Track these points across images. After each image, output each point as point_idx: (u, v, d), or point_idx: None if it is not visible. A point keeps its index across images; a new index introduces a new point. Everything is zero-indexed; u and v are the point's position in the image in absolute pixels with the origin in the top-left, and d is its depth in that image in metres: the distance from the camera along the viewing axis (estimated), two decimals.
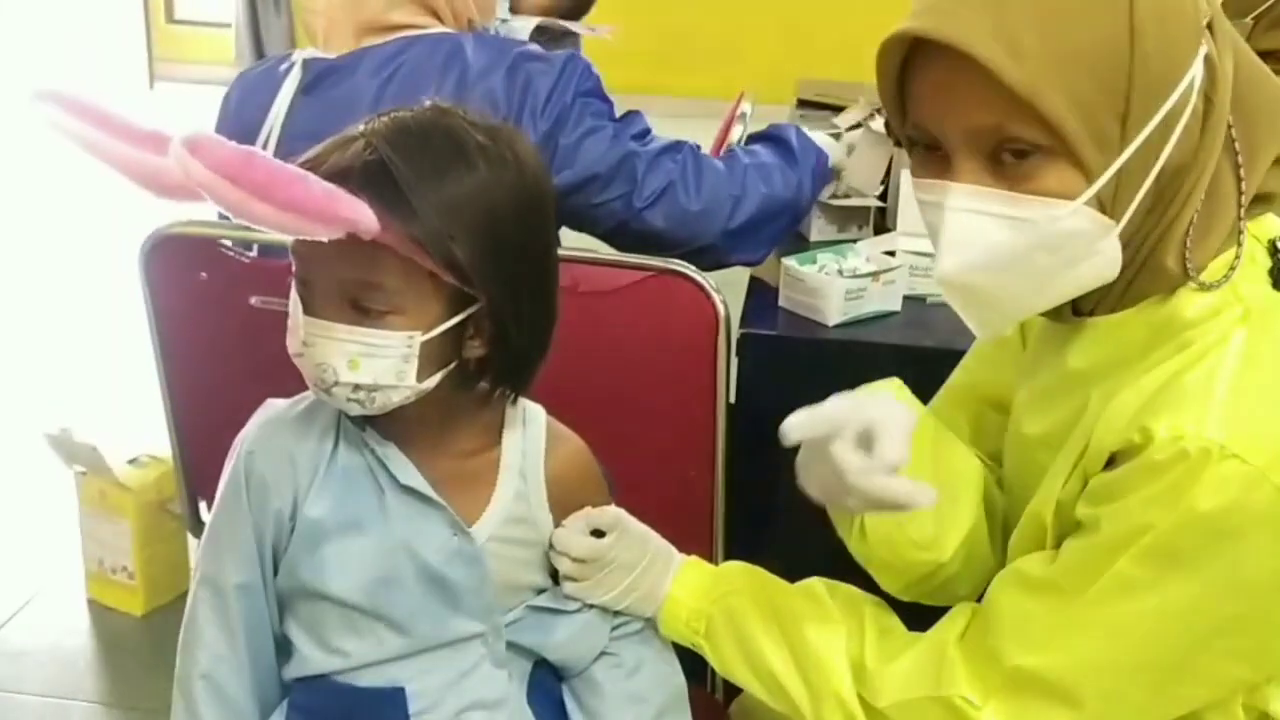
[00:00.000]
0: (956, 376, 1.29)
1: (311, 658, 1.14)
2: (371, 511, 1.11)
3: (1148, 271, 1.01)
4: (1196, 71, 0.95)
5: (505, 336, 1.07)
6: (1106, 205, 0.96)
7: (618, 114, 1.69)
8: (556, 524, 1.17)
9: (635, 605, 1.19)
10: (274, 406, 1.16)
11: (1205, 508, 0.92)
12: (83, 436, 2.45)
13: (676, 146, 1.69)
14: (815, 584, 1.18)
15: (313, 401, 1.14)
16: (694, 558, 1.23)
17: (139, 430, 2.42)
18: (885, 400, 1.09)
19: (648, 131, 1.70)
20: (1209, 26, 0.96)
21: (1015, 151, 0.95)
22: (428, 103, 1.08)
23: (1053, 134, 0.93)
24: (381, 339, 1.03)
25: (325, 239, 0.95)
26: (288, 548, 1.12)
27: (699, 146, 1.73)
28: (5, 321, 3.78)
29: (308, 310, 1.03)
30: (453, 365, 1.08)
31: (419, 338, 1.03)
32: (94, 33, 6.44)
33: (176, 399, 1.79)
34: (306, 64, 1.69)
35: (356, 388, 1.04)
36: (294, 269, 1.05)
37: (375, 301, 1.02)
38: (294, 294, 1.05)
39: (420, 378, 1.05)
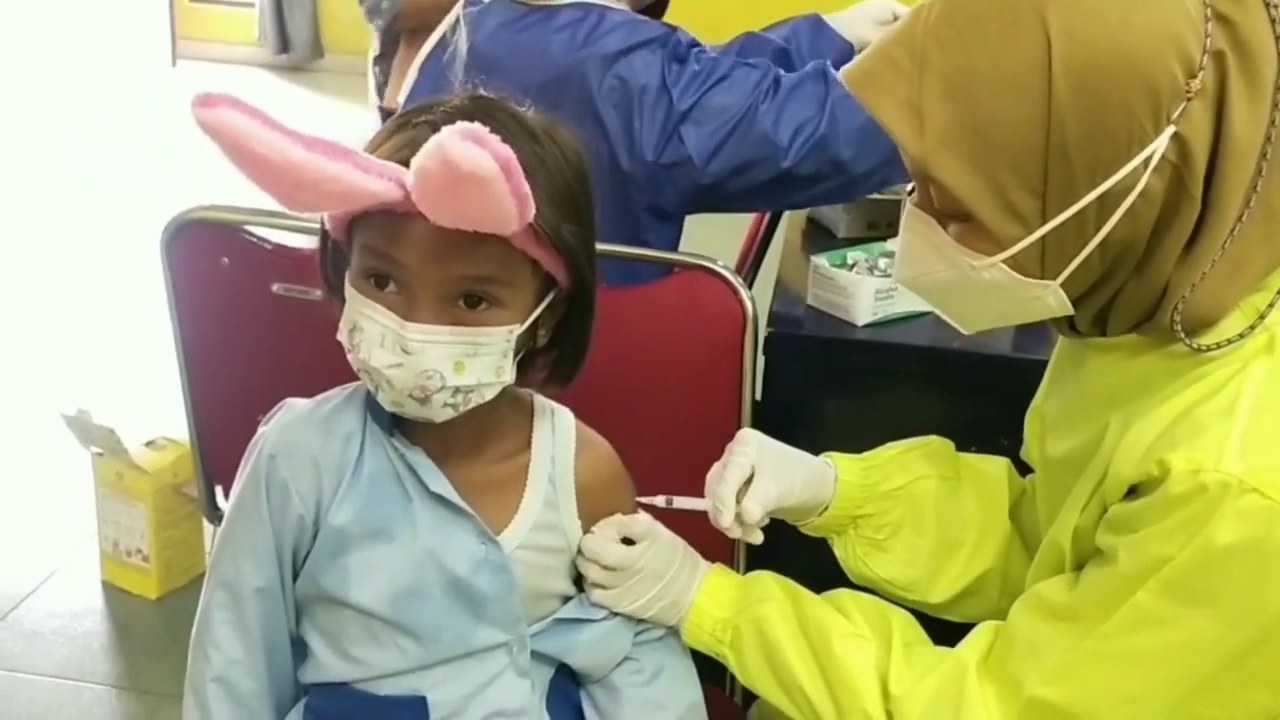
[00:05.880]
0: (1036, 398, 1.27)
1: (330, 665, 1.12)
2: (398, 519, 1.08)
3: (1130, 314, 0.99)
4: (1154, 151, 0.91)
5: (578, 319, 1.08)
6: (1032, 268, 0.97)
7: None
8: (584, 530, 1.15)
9: (660, 614, 1.17)
10: (295, 408, 1.13)
11: (1224, 542, 0.91)
12: (100, 418, 2.44)
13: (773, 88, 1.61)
14: (842, 596, 1.17)
15: (336, 403, 1.12)
16: (719, 565, 1.21)
17: (156, 413, 2.42)
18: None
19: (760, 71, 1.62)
20: (1193, 96, 0.90)
21: (941, 198, 0.98)
22: (457, 95, 1.05)
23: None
24: (486, 336, 1.01)
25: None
26: (309, 553, 1.10)
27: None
28: (25, 303, 3.79)
29: (408, 317, 0.99)
30: (521, 355, 1.07)
31: (517, 330, 1.03)
32: (118, 10, 6.44)
33: (195, 383, 1.78)
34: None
35: (456, 390, 1.01)
36: (371, 280, 1.00)
37: (489, 296, 1.00)
38: (364, 309, 1.00)
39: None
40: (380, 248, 0.99)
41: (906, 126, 0.95)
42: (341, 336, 1.03)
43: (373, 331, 1.00)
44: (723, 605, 1.17)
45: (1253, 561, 0.91)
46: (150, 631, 2.40)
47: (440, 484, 1.08)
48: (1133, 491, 0.98)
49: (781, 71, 1.63)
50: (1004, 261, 0.97)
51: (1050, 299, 0.99)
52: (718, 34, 2.08)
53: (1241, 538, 0.90)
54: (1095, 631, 0.97)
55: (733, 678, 1.58)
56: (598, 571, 1.14)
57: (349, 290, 1.02)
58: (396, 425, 1.09)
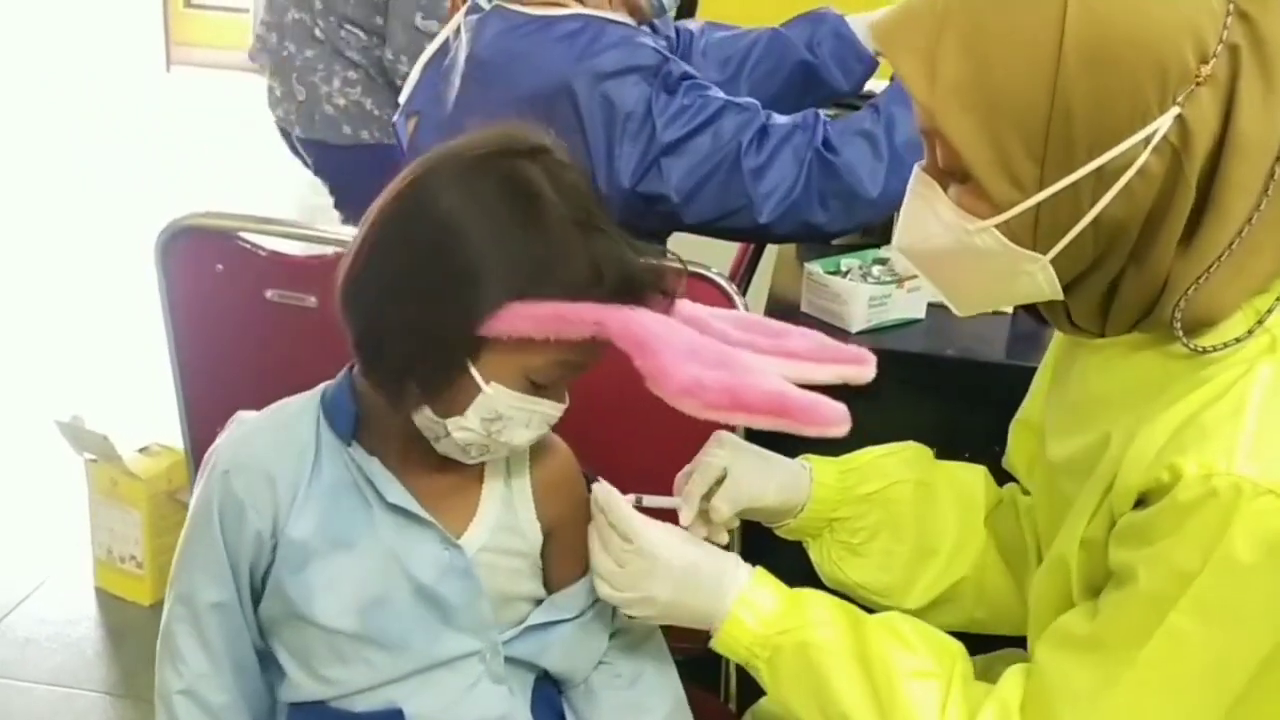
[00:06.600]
0: (1021, 409, 1.27)
1: (303, 685, 1.12)
2: (360, 528, 1.08)
3: (1130, 309, 0.99)
4: (1156, 130, 0.91)
5: None
6: (1024, 237, 0.97)
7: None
8: (544, 529, 1.14)
9: (688, 622, 1.12)
10: (246, 423, 1.12)
11: (1245, 553, 0.90)
12: (94, 424, 2.44)
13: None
14: (898, 621, 1.10)
15: (289, 415, 1.11)
16: (760, 570, 1.14)
17: (150, 419, 2.41)
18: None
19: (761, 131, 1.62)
20: (1202, 82, 0.91)
21: (945, 155, 0.99)
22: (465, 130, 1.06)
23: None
24: None
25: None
26: (270, 568, 1.09)
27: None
28: (19, 308, 3.78)
29: (559, 400, 1.06)
30: None
31: None
32: (112, 15, 6.44)
33: (189, 389, 1.77)
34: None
35: None
36: (535, 372, 1.02)
37: None
38: (523, 404, 1.02)
39: None
40: (576, 360, 1.03)
41: (919, 76, 0.96)
42: (463, 424, 1.02)
43: (521, 418, 1.03)
44: (765, 623, 1.10)
45: (1275, 565, 0.91)
46: (144, 638, 2.38)
47: (397, 494, 1.08)
48: (1142, 501, 0.97)
49: (771, 118, 1.62)
50: (997, 228, 0.97)
51: (1040, 275, 0.99)
52: (745, 21, 2.08)
53: (1262, 544, 0.90)
54: (1134, 661, 0.96)
55: (727, 683, 1.58)
56: (604, 561, 1.11)
57: (495, 387, 1.01)
58: (354, 435, 1.09)
